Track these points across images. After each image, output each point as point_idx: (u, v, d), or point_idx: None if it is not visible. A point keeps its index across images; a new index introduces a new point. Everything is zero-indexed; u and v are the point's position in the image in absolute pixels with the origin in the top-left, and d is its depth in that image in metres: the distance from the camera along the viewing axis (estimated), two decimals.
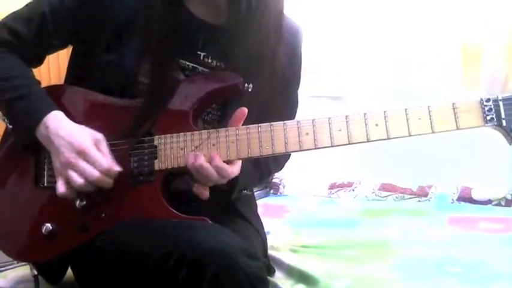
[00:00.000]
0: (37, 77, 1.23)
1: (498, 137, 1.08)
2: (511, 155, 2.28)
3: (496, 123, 1.04)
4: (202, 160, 1.07)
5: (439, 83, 2.56)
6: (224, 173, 1.08)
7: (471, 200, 2.29)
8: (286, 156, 1.35)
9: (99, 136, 1.12)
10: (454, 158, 2.37)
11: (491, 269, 1.49)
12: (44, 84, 1.23)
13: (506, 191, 2.27)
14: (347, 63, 2.70)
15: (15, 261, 1.47)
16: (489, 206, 2.25)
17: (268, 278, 1.21)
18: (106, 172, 1.09)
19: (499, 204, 2.25)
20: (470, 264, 1.52)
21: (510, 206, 2.23)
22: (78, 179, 1.08)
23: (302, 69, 1.37)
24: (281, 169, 1.40)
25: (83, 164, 1.08)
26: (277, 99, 1.25)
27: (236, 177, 1.12)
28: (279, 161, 1.33)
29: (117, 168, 1.10)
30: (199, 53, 1.21)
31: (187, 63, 1.20)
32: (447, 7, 2.51)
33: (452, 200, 2.31)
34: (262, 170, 1.27)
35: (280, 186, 2.56)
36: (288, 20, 1.29)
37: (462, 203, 2.30)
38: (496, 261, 1.54)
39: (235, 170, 1.10)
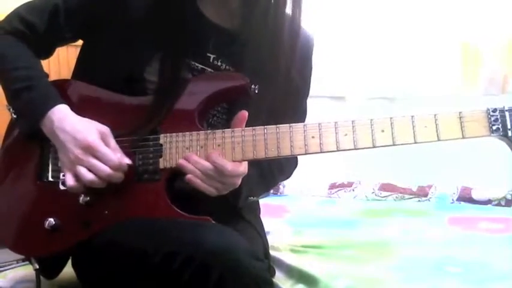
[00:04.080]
0: None
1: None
2: (511, 155, 2.28)
3: (501, 134, 1.04)
4: (195, 157, 1.07)
5: (439, 82, 2.56)
6: (223, 168, 1.05)
7: (471, 200, 2.29)
8: (293, 163, 1.35)
9: (105, 130, 1.11)
10: (454, 158, 2.37)
11: (491, 269, 1.49)
12: None
13: (506, 191, 2.27)
14: (347, 63, 2.70)
15: (15, 261, 1.47)
16: (489, 206, 2.26)
17: None
18: (117, 167, 1.08)
19: (499, 204, 2.25)
20: (470, 264, 1.52)
21: (510, 206, 2.23)
22: (88, 175, 1.07)
23: None
24: (289, 176, 1.38)
25: (92, 161, 1.08)
26: (288, 106, 1.24)
27: (241, 184, 1.12)
28: (284, 168, 1.32)
29: (127, 161, 1.10)
30: (209, 55, 1.21)
31: (197, 64, 1.20)
32: (447, 7, 2.51)
33: (452, 200, 2.32)
34: (268, 177, 1.26)
35: (280, 186, 2.56)
36: (301, 28, 1.28)
37: (462, 203, 2.30)
38: (496, 261, 1.54)
39: (240, 168, 1.08)
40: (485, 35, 2.50)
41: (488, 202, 2.27)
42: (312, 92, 1.38)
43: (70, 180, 1.10)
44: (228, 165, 1.06)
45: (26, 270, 1.41)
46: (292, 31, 1.19)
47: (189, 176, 1.07)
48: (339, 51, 2.69)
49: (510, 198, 2.25)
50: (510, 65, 2.48)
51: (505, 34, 2.47)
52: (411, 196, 2.37)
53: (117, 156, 1.09)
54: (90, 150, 1.08)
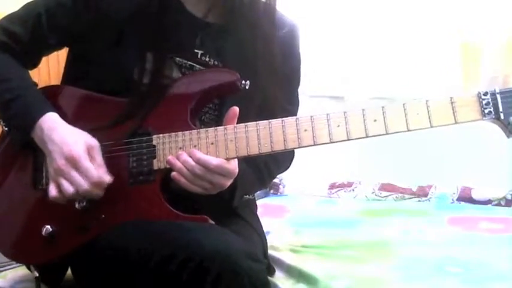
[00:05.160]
0: (37, 77, 1.24)
1: (498, 137, 1.08)
2: (511, 155, 2.28)
3: (493, 117, 1.04)
4: (184, 156, 1.07)
5: (439, 82, 2.56)
6: (207, 164, 1.05)
7: (471, 200, 2.29)
8: (289, 156, 1.35)
9: (94, 143, 1.11)
10: (454, 158, 2.37)
11: (491, 269, 1.49)
12: (43, 85, 1.23)
13: (506, 191, 2.26)
14: (347, 63, 2.69)
15: (14, 261, 1.47)
16: (489, 206, 2.25)
17: (269, 278, 1.20)
18: (95, 184, 1.08)
19: (499, 204, 2.25)
20: (470, 264, 1.52)
21: (510, 206, 2.23)
22: (68, 188, 1.07)
23: (302, 69, 1.37)
24: (286, 169, 1.38)
25: (73, 174, 1.07)
26: (279, 97, 1.24)
27: (235, 184, 1.12)
28: (279, 161, 1.33)
29: (107, 178, 1.09)
30: (196, 51, 1.21)
31: (185, 61, 1.20)
32: (447, 6, 2.51)
33: (452, 200, 2.31)
34: (263, 173, 1.26)
35: (280, 186, 2.56)
36: (284, 18, 1.29)
37: (462, 203, 2.29)
38: (496, 261, 1.54)
39: (227, 166, 1.07)
40: (485, 35, 2.49)
41: (488, 202, 2.26)
42: (311, 92, 1.38)
43: (53, 191, 1.10)
44: (213, 161, 1.06)
45: (26, 271, 1.41)
46: (268, 19, 1.20)
47: (174, 173, 1.07)
48: (339, 51, 2.69)
49: (510, 198, 2.25)
50: (510, 65, 2.48)
51: (505, 34, 2.47)
52: (411, 196, 2.37)
53: (99, 173, 1.08)
54: (73, 162, 1.08)
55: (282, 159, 1.32)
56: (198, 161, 1.06)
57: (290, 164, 1.37)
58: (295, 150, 1.16)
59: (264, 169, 1.26)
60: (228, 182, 1.09)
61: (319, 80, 2.63)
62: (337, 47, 2.68)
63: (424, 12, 2.54)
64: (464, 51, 2.54)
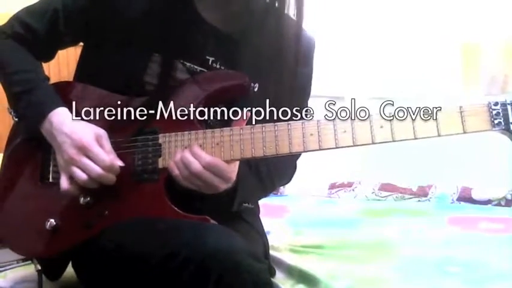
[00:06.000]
0: None
1: (498, 137, 1.08)
2: (511, 155, 2.28)
3: (503, 128, 1.02)
4: (186, 152, 1.07)
5: (439, 82, 2.56)
6: (201, 158, 1.05)
7: (471, 200, 2.29)
8: (292, 168, 1.35)
9: (101, 132, 1.13)
10: (454, 158, 2.37)
11: (491, 269, 1.49)
12: None
13: (506, 191, 2.27)
14: (347, 63, 2.70)
15: (15, 261, 1.47)
16: (489, 206, 2.25)
17: None
18: (108, 168, 1.09)
19: (499, 204, 2.25)
20: (470, 264, 1.52)
21: (510, 206, 2.23)
22: (81, 175, 1.09)
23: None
24: (288, 181, 1.38)
25: (85, 160, 1.09)
26: (289, 108, 1.24)
27: (235, 188, 1.12)
28: (282, 173, 1.32)
29: (119, 163, 1.10)
30: (208, 57, 1.21)
31: (196, 66, 1.20)
32: (447, 7, 2.51)
33: (452, 200, 2.31)
34: (265, 183, 1.25)
35: (281, 186, 2.56)
36: (304, 31, 1.28)
37: (462, 203, 2.30)
38: (496, 261, 1.55)
39: (229, 169, 1.07)
40: (485, 35, 2.50)
41: (488, 202, 2.27)
42: (311, 91, 1.38)
43: (64, 183, 1.11)
44: (207, 157, 1.06)
45: (26, 270, 1.41)
46: (294, 32, 1.20)
47: (172, 163, 1.08)
48: (339, 51, 2.69)
49: (510, 198, 2.25)
50: (510, 65, 2.48)
51: (505, 34, 2.47)
52: (411, 196, 2.37)
53: (110, 158, 1.10)
54: (83, 150, 1.09)
55: (285, 170, 1.32)
56: (193, 154, 1.06)
57: (292, 176, 1.36)
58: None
59: (267, 178, 1.25)
60: (222, 185, 1.08)
61: (319, 80, 2.63)
62: (337, 47, 2.68)
63: (424, 13, 2.55)
64: (465, 52, 2.54)
